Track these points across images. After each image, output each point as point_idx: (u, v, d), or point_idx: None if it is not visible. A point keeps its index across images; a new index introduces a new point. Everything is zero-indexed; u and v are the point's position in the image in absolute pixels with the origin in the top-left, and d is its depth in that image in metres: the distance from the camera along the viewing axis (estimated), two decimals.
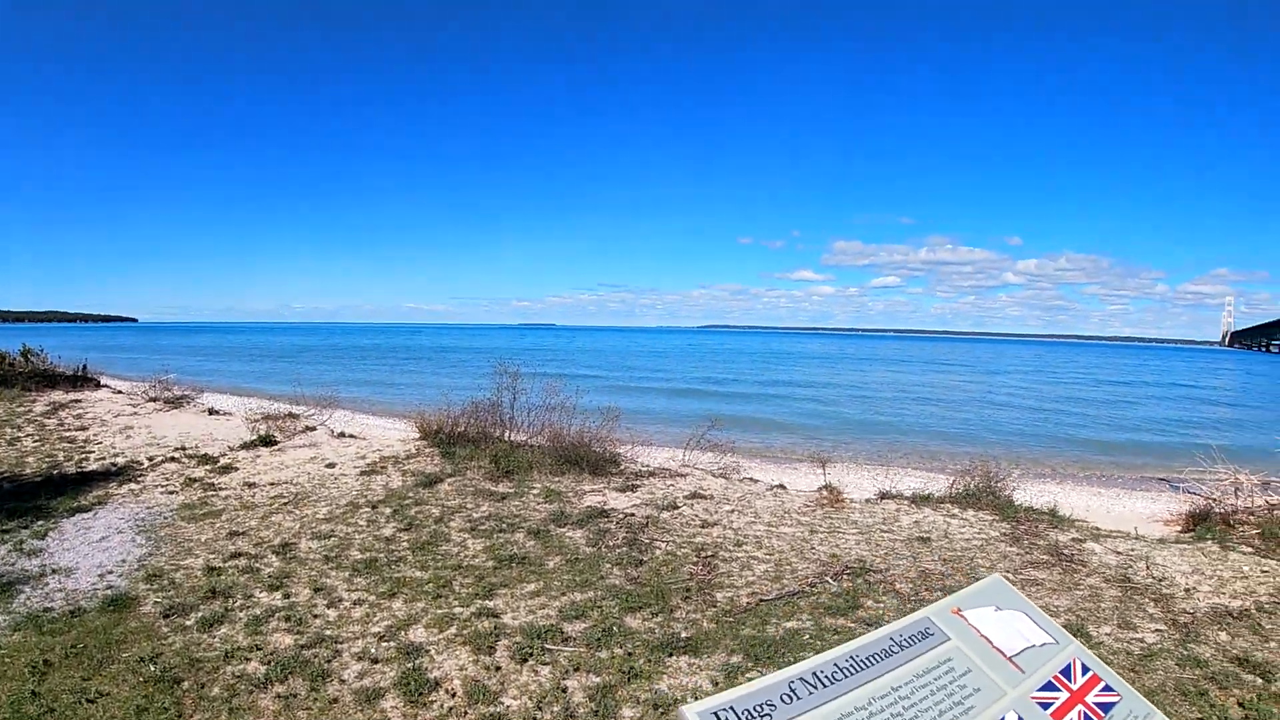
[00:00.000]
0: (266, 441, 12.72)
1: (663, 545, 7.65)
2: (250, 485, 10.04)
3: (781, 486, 11.05)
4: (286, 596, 6.17)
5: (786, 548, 7.76)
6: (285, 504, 9.15)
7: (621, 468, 11.44)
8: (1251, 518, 9.21)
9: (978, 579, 6.78)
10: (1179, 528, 9.95)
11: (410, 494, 9.53)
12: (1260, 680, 5.01)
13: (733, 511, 9.20)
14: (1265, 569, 7.49)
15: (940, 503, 10.01)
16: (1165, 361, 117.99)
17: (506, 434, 12.68)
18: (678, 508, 9.25)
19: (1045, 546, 8.02)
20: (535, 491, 9.75)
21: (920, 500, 10.12)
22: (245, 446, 12.46)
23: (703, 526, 8.47)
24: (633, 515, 8.74)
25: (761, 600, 6.15)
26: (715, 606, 6.01)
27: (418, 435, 12.90)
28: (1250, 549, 8.22)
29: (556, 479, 10.42)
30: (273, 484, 10.11)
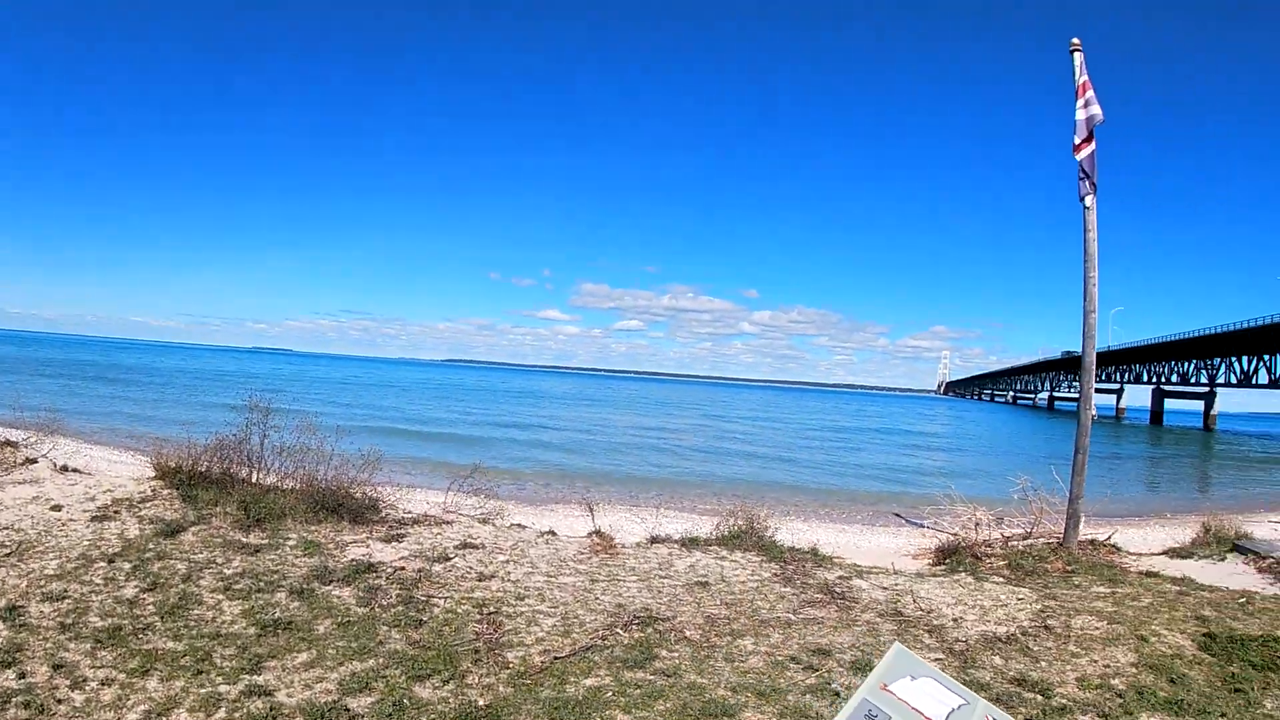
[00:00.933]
0: None
1: (441, 602, 7.35)
2: None
3: (552, 533, 11.01)
4: (22, 676, 5.37)
5: (570, 599, 7.69)
6: (7, 555, 7.96)
7: (383, 514, 10.91)
8: (996, 550, 10.19)
9: (761, 621, 7.07)
10: (929, 561, 10.88)
11: (150, 545, 8.54)
12: (1041, 697, 5.58)
13: (508, 562, 9.02)
14: (1020, 596, 8.33)
15: (709, 545, 10.35)
16: (884, 407, 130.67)
17: (255, 476, 11.64)
18: (450, 559, 8.95)
19: (817, 585, 8.47)
20: (292, 543, 9.05)
21: (690, 543, 10.43)
22: None
23: (480, 580, 8.23)
24: (403, 569, 8.37)
25: (556, 658, 6.06)
26: (509, 668, 5.83)
27: (153, 474, 11.48)
28: (1001, 579, 9.14)
29: (314, 528, 9.74)
30: None
